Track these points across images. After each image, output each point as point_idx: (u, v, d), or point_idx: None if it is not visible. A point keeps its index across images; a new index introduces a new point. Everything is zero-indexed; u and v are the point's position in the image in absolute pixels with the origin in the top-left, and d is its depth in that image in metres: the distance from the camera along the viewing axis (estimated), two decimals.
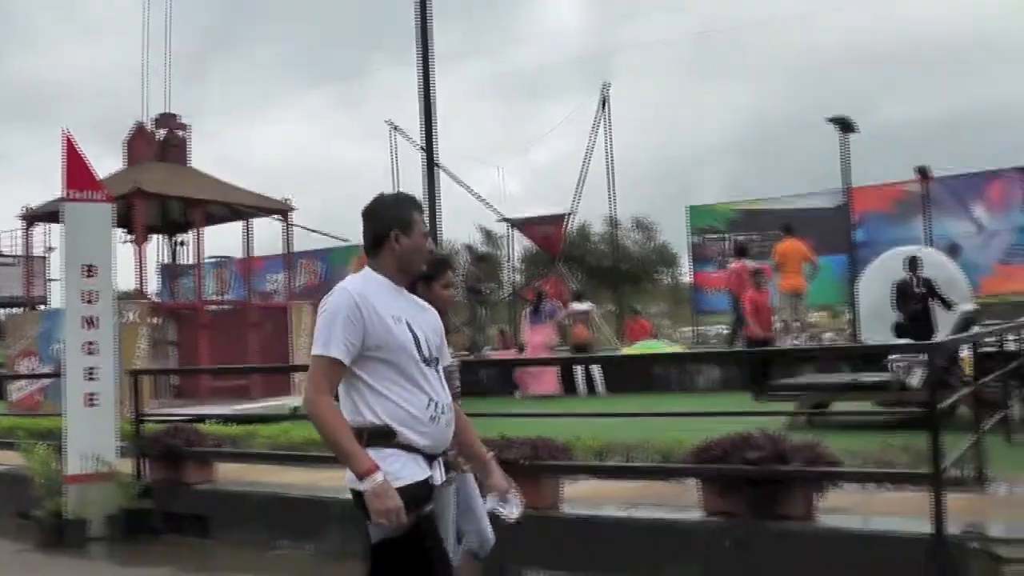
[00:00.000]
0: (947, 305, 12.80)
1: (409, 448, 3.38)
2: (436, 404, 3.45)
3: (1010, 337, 12.28)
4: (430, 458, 3.46)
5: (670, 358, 16.98)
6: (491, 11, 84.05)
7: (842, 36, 75.31)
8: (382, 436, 3.36)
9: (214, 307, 19.36)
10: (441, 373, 3.59)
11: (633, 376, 16.69)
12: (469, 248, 37.50)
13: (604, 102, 27.97)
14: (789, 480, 5.92)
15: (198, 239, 18.70)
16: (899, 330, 12.81)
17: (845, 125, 15.22)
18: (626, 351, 18.91)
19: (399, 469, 3.33)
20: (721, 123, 75.64)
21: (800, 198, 26.91)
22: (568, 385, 17.51)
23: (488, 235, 38.11)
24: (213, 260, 24.94)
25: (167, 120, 19.09)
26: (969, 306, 11.42)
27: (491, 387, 16.94)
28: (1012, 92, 67.68)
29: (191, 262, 19.89)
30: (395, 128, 27.48)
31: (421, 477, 3.39)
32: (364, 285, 3.46)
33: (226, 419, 10.76)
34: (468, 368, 6.32)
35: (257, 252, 20.79)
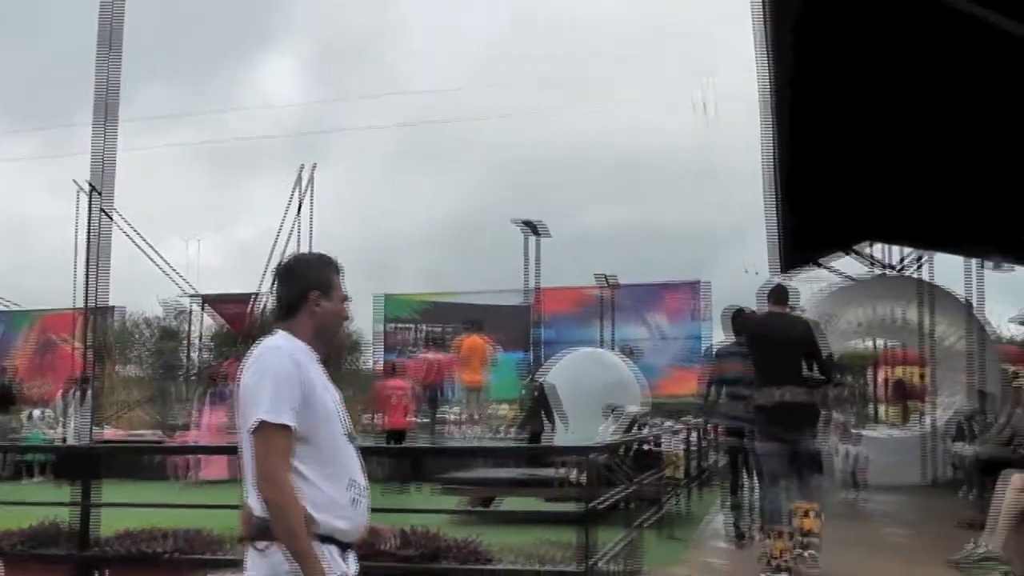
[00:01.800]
0: (548, 416, 13.87)
1: (325, 538, 2.87)
2: (356, 485, 2.99)
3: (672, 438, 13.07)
4: (345, 547, 2.96)
5: None
6: (209, 75, 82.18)
7: (548, 139, 78.74)
8: None
9: None
10: (358, 451, 3.13)
11: None
12: (159, 323, 35.93)
13: (306, 182, 27.79)
14: None
15: None
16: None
17: (533, 228, 15.80)
18: None
19: None
20: (422, 213, 76.80)
21: (491, 294, 27.73)
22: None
23: (176, 310, 36.66)
24: None
25: None
26: (636, 408, 12.02)
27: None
28: (693, 210, 72.81)
29: None
30: (93, 189, 26.07)
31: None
32: (292, 346, 2.99)
33: None
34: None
35: None
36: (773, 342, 7.63)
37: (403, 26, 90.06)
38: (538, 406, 14.93)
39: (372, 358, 27.90)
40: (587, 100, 73.21)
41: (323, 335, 3.10)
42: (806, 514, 7.22)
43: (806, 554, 7.10)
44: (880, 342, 24.51)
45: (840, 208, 15.48)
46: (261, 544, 2.84)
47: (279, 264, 3.18)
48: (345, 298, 3.17)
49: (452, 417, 19.21)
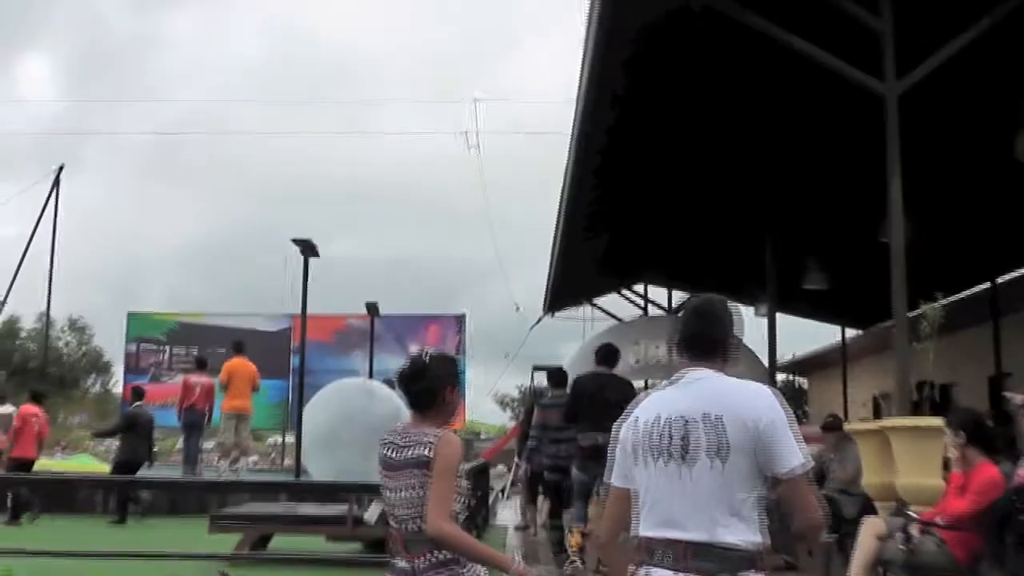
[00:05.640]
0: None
1: None
2: None
3: None
4: None
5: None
6: None
7: (304, 165, 77.40)
8: None
9: None
10: None
11: (58, 494, 14.78)
12: None
13: (55, 188, 25.71)
14: None
15: None
16: None
17: (309, 248, 14.84)
18: (50, 464, 16.94)
19: None
20: (174, 231, 73.97)
21: (244, 317, 26.48)
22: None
23: None
24: None
25: None
26: None
27: None
28: (451, 245, 73.27)
29: None
30: None
31: None
32: None
33: None
34: None
35: None
36: (598, 396, 8.80)
37: (168, 35, 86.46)
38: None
39: (121, 380, 26.11)
40: (352, 125, 72.46)
41: None
42: (580, 535, 8.84)
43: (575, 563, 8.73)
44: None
45: (614, 250, 15.49)
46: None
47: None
48: None
49: (208, 445, 17.91)
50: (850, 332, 21.70)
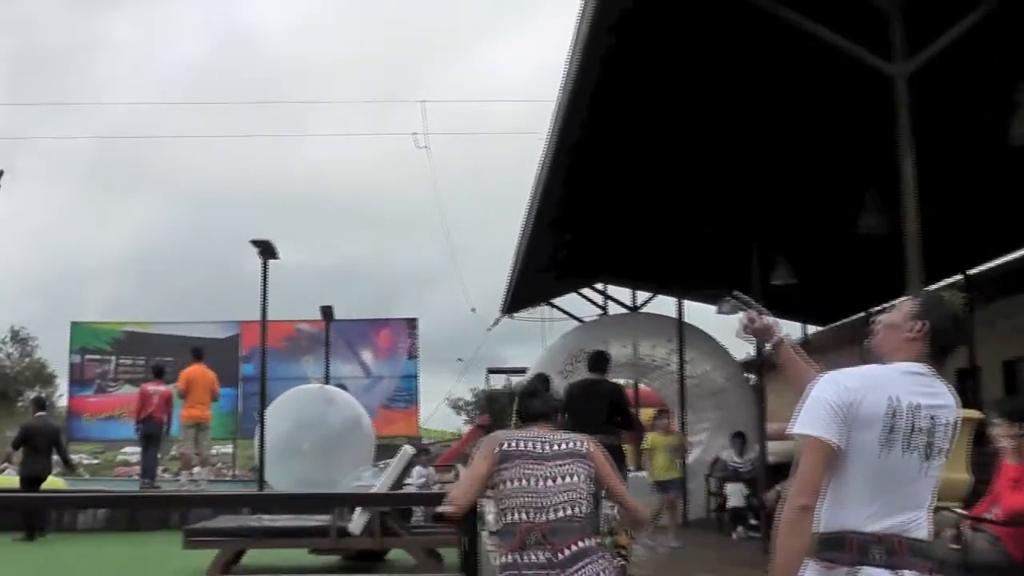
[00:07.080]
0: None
1: None
2: None
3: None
4: None
5: None
6: None
7: (250, 168, 76.30)
8: None
9: None
10: None
11: None
12: None
13: None
14: None
15: None
16: None
17: (268, 250, 14.22)
18: None
19: None
20: (117, 238, 72.59)
21: (191, 325, 25.81)
22: None
23: None
24: None
25: None
26: (410, 448, 10.70)
27: None
28: (403, 248, 72.73)
29: None
30: None
31: None
32: None
33: None
34: None
35: None
36: (588, 399, 9.19)
37: (106, 38, 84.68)
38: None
39: (68, 391, 25.21)
40: (298, 128, 71.49)
41: None
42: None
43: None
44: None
45: (581, 249, 15.15)
46: None
47: None
48: None
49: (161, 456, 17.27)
50: (811, 329, 21.58)
